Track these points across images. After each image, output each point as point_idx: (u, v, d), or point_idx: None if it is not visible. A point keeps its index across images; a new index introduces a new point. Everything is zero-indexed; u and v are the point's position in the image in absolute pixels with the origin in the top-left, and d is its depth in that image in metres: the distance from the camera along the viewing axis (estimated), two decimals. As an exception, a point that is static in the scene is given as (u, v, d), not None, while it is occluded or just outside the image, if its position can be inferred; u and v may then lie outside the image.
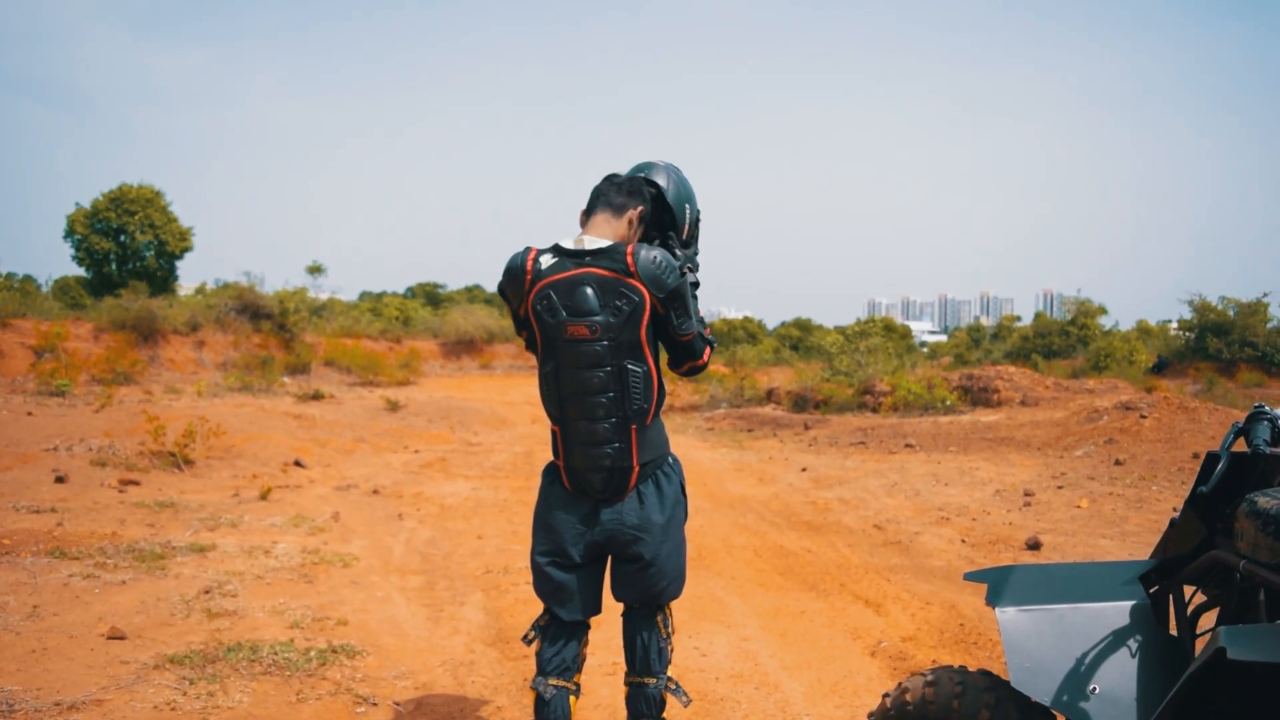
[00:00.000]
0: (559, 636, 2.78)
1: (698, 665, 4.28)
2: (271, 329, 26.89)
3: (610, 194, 2.72)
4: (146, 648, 4.20)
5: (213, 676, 3.87)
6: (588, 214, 2.75)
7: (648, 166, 2.87)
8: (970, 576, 2.37)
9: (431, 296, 55.30)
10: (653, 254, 2.59)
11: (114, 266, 31.57)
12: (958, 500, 8.74)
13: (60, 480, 8.38)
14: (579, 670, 2.82)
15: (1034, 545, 6.64)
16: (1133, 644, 2.11)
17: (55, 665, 3.93)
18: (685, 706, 2.90)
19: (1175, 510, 7.98)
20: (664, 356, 2.81)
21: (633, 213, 2.71)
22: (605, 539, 2.70)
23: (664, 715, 2.83)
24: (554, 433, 2.72)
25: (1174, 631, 2.20)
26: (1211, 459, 2.06)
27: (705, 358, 2.78)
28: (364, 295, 57.41)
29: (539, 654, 2.80)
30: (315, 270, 40.35)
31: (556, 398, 2.66)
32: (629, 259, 2.56)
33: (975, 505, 8.46)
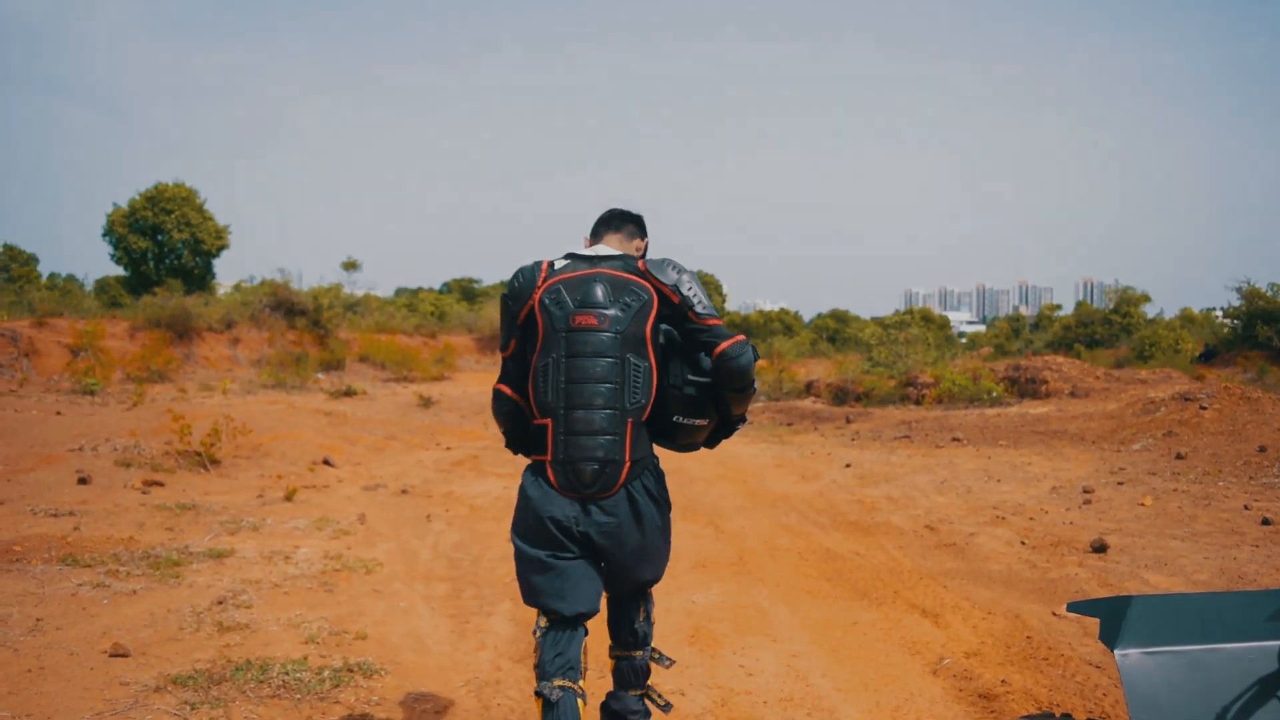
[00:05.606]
0: (559, 636, 2.66)
1: (744, 687, 3.92)
2: (306, 325, 26.81)
3: (619, 222, 2.92)
4: (150, 666, 3.92)
5: (216, 700, 3.58)
6: (595, 237, 2.91)
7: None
8: (1075, 608, 2.00)
9: (467, 291, 55.24)
10: (663, 261, 2.73)
11: (151, 265, 31.73)
12: (1012, 498, 8.30)
13: (83, 481, 8.19)
14: (582, 675, 2.65)
15: (1100, 548, 6.20)
16: None
17: (50, 687, 3.65)
18: (667, 669, 3.28)
19: (1237, 505, 7.46)
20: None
21: (640, 242, 2.94)
22: (597, 534, 2.66)
23: (649, 683, 2.94)
24: (542, 427, 2.69)
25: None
26: None
27: (746, 359, 2.72)
28: (399, 291, 57.51)
29: (539, 661, 2.64)
30: (350, 266, 40.25)
31: (555, 387, 2.66)
32: (640, 264, 2.74)
33: (1032, 503, 8.02)
